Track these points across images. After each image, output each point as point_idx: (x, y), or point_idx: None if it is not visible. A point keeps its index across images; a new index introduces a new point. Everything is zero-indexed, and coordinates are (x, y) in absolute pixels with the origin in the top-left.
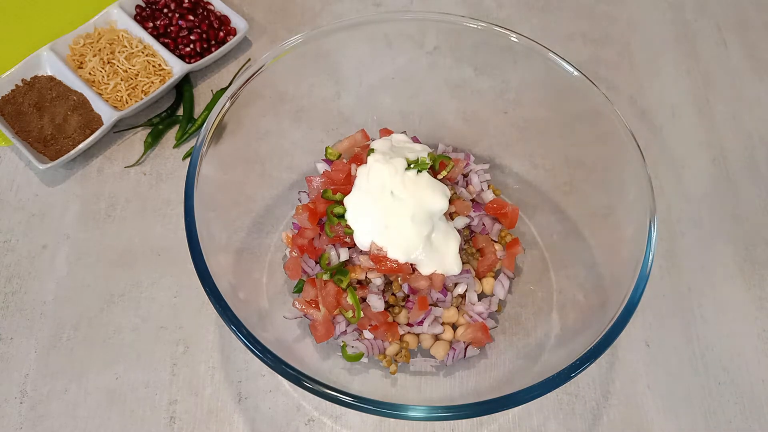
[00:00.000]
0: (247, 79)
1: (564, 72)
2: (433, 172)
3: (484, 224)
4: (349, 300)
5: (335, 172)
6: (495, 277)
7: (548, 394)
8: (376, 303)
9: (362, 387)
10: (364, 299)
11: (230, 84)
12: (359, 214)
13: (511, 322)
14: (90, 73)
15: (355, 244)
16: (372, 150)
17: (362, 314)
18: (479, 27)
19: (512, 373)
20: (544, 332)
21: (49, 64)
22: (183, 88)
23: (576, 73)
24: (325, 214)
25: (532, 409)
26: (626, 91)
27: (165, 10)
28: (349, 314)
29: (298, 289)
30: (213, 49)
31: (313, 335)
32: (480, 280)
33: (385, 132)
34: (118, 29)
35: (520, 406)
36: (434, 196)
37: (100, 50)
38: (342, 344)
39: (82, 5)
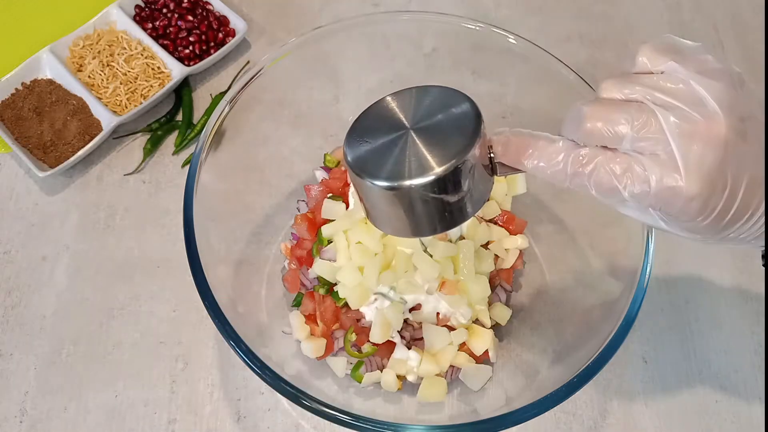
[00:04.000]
0: (246, 83)
1: (562, 75)
2: None
3: None
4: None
5: (333, 180)
6: (493, 291)
7: (546, 412)
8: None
9: (361, 405)
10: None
11: (229, 88)
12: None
13: (509, 338)
14: (89, 76)
15: None
16: None
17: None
18: (477, 28)
19: (510, 391)
20: (542, 347)
21: (49, 67)
22: (182, 91)
23: (574, 76)
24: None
25: (530, 427)
26: None
27: (164, 11)
28: (351, 333)
29: (297, 303)
30: (212, 50)
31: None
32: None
33: None
34: (118, 30)
35: (518, 425)
36: None
37: (99, 52)
38: (353, 365)
39: (81, 6)
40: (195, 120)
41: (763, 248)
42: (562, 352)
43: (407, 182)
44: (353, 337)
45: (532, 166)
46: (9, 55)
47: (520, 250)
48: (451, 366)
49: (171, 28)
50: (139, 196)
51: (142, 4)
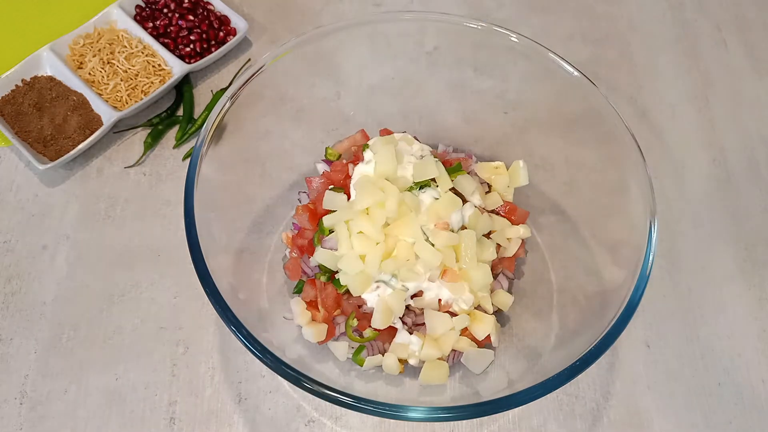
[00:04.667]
0: (247, 80)
1: (564, 72)
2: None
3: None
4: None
5: (335, 173)
6: (495, 278)
7: (548, 394)
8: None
9: (362, 388)
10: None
11: (230, 84)
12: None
13: (511, 324)
14: (90, 74)
15: None
16: (366, 146)
17: (357, 322)
18: (479, 27)
19: (512, 374)
20: (544, 333)
21: (49, 64)
22: (183, 88)
23: (576, 73)
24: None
25: (532, 409)
26: (626, 91)
27: (165, 10)
28: (352, 318)
29: (298, 290)
30: (213, 49)
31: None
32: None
33: (385, 132)
34: (118, 29)
35: (521, 407)
36: None
37: (100, 50)
38: (355, 349)
39: (82, 5)
40: (196, 115)
41: None
42: (564, 337)
43: None
44: (355, 322)
45: None
46: (9, 53)
47: (522, 240)
48: (453, 350)
49: (171, 28)
50: (139, 187)
51: (143, 4)
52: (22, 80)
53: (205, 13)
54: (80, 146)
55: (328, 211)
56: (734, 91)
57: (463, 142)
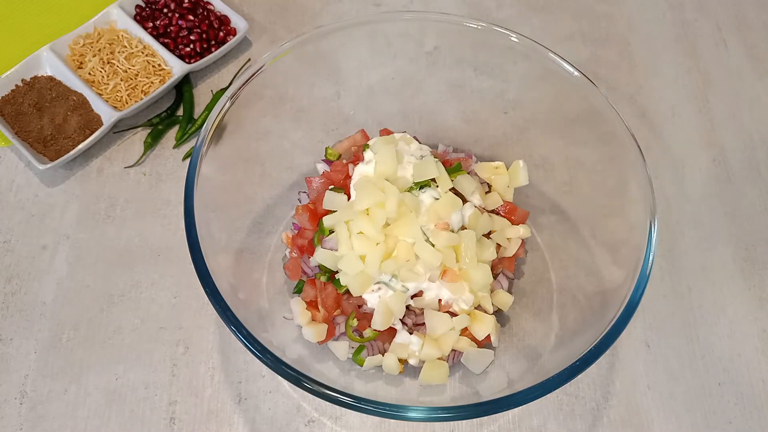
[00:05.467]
0: (247, 80)
1: (564, 72)
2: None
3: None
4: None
5: (335, 173)
6: (495, 278)
7: (548, 394)
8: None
9: (362, 387)
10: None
11: (230, 84)
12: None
13: (511, 324)
14: (90, 74)
15: None
16: (367, 146)
17: (357, 322)
18: (479, 27)
19: (512, 374)
20: (544, 332)
21: (49, 64)
22: (183, 88)
23: (576, 73)
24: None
25: (532, 409)
26: (626, 91)
27: (165, 10)
28: (352, 318)
29: (298, 290)
30: (213, 49)
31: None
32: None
33: (385, 132)
34: (118, 29)
35: (521, 407)
36: None
37: (99, 50)
38: (355, 349)
39: (82, 5)
40: (196, 115)
41: None
42: (564, 337)
43: None
44: (355, 322)
45: None
46: (9, 53)
47: (522, 239)
48: (453, 350)
49: (171, 27)
50: (139, 187)
51: (143, 4)
52: (22, 80)
53: (205, 13)
54: (80, 146)
55: (328, 211)
56: (734, 91)
57: (463, 142)
